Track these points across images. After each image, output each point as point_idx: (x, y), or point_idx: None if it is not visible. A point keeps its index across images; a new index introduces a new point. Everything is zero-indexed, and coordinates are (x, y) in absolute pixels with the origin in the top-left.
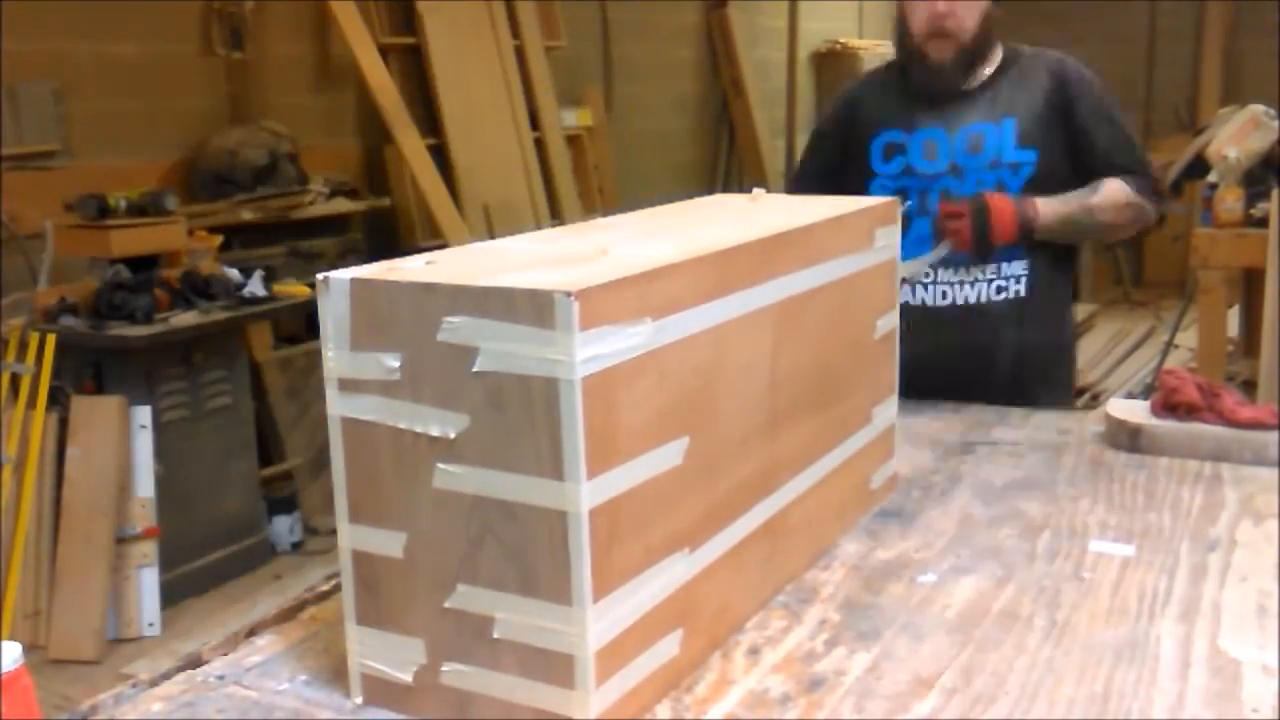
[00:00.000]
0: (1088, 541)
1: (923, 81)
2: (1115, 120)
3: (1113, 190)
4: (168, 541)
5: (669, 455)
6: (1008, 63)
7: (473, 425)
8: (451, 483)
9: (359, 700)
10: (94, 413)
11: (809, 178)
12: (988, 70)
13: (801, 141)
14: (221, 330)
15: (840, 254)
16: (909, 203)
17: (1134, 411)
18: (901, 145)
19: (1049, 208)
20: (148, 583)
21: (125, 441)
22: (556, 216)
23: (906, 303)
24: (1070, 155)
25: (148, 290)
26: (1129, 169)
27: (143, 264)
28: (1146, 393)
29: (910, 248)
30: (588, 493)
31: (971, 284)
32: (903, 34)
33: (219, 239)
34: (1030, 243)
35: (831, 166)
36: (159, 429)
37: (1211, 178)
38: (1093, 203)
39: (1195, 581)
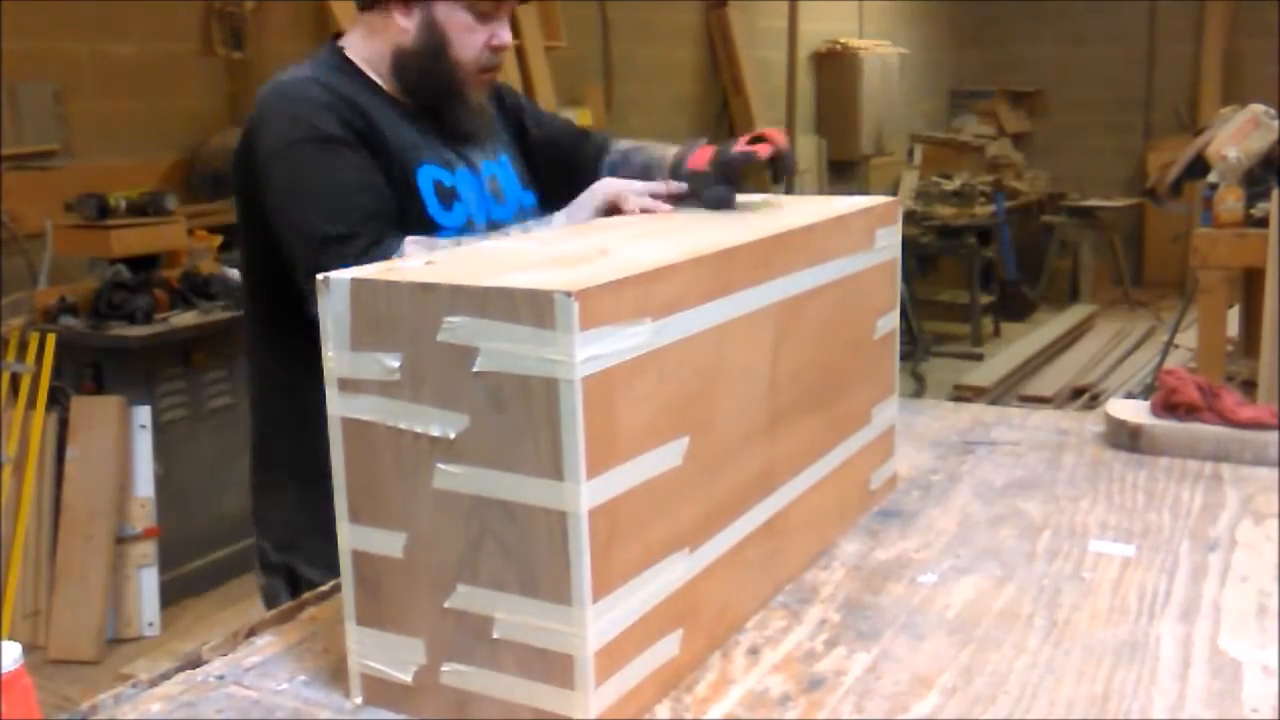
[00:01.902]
0: (1088, 541)
1: (455, 124)
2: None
3: None
4: (168, 541)
5: (669, 455)
6: None
7: (472, 425)
8: (451, 483)
9: (359, 700)
10: (94, 413)
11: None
12: None
13: (802, 143)
14: (221, 330)
15: (840, 254)
16: None
17: (1134, 411)
18: (453, 189)
19: None
20: (147, 583)
21: (125, 441)
22: None
23: None
24: (548, 171)
25: (147, 290)
26: (586, 145)
27: (143, 264)
28: (1146, 393)
29: None
30: (587, 493)
31: None
32: (436, 65)
33: (219, 239)
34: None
35: (390, 197)
36: (159, 429)
37: (1211, 178)
38: None
39: (1195, 581)
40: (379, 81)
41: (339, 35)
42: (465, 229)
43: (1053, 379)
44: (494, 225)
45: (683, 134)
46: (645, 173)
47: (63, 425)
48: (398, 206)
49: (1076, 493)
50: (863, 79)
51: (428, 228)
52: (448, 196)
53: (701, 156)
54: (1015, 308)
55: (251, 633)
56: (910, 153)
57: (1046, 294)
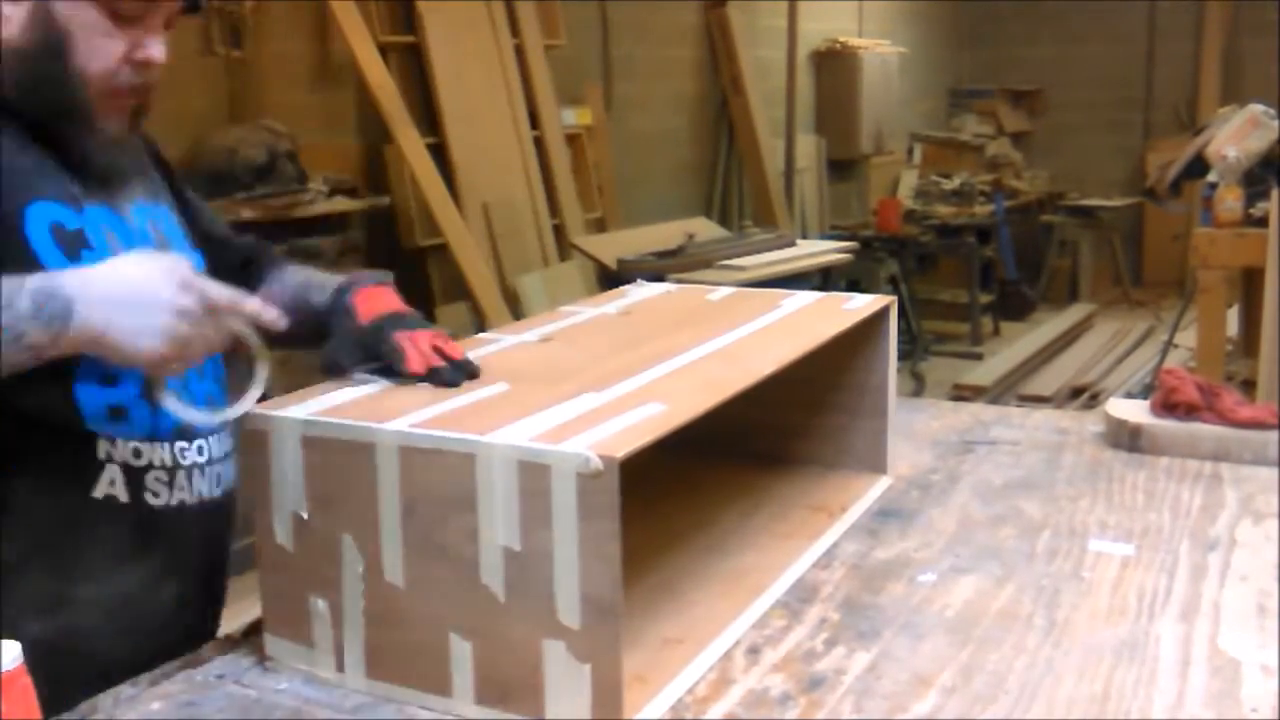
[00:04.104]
0: (1087, 541)
1: (83, 156)
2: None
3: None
4: None
5: None
6: None
7: None
8: None
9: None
10: None
11: None
12: None
13: (802, 142)
14: None
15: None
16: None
17: (1134, 411)
18: (79, 233)
19: None
20: None
21: None
22: (556, 215)
23: (151, 506)
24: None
25: None
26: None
27: None
28: (1146, 392)
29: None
30: None
31: None
32: (51, 73)
33: None
34: None
35: None
36: None
37: (1211, 177)
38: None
39: (1195, 581)
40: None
41: None
42: None
43: (1052, 378)
44: None
45: (682, 133)
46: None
47: None
48: None
49: (1076, 492)
50: (862, 78)
51: (38, 268)
52: (73, 243)
53: (371, 306)
54: (1015, 307)
55: (252, 631)
56: (910, 152)
57: (1046, 293)
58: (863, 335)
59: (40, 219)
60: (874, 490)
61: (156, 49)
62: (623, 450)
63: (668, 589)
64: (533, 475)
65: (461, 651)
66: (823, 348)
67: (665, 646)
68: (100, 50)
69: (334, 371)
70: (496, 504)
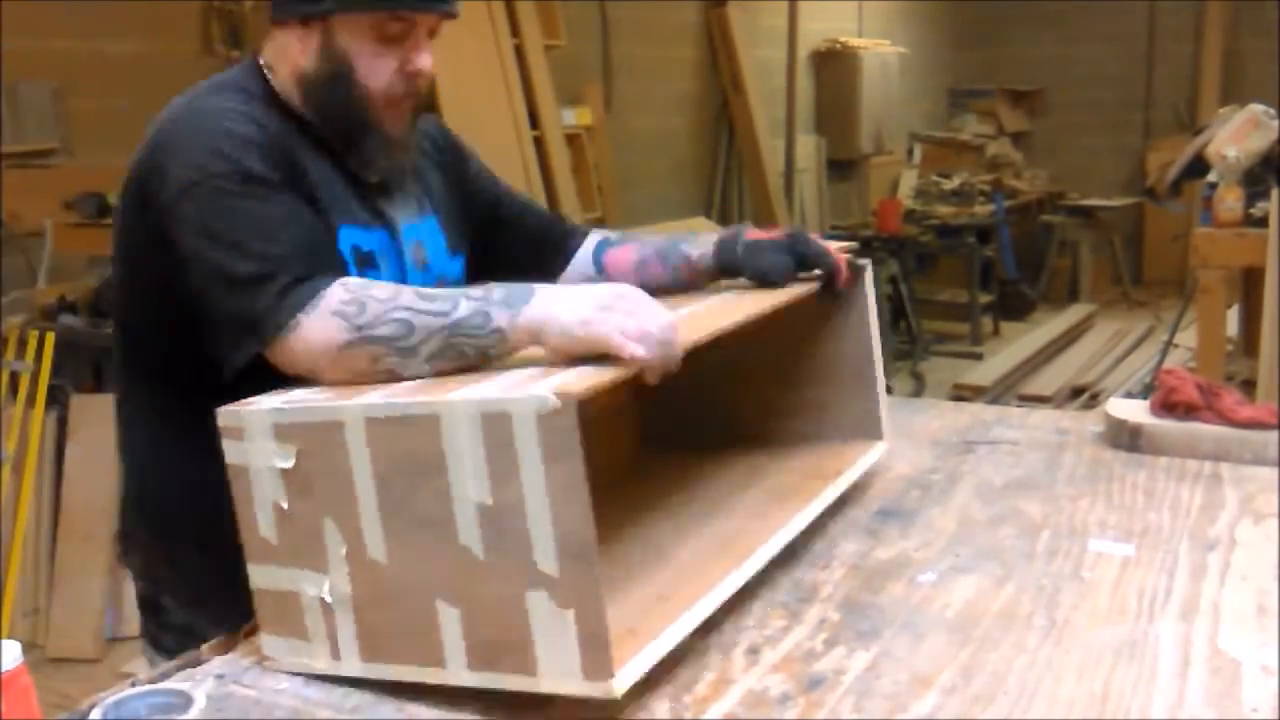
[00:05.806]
0: (1087, 541)
1: (370, 161)
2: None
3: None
4: None
5: None
6: None
7: None
8: None
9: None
10: (94, 411)
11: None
12: None
13: (804, 144)
14: None
15: None
16: None
17: (1134, 411)
18: (370, 255)
19: None
20: None
21: None
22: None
23: None
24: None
25: None
26: (559, 225)
27: None
28: (1146, 392)
29: None
30: None
31: None
32: (339, 95)
33: None
34: None
35: (324, 234)
36: None
37: (1211, 177)
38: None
39: (1195, 581)
40: (303, 113)
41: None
42: None
43: (1052, 378)
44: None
45: (682, 133)
46: (661, 258)
47: (62, 424)
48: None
49: (1076, 492)
50: (862, 78)
51: None
52: (366, 263)
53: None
54: (1014, 307)
55: (251, 632)
56: (910, 152)
57: (1046, 293)
58: (842, 303)
59: (346, 241)
60: (870, 455)
61: (423, 60)
62: (581, 389)
63: (660, 552)
64: (496, 425)
65: (449, 618)
66: (804, 318)
67: (657, 602)
68: (376, 70)
69: (767, 280)
70: (465, 461)
